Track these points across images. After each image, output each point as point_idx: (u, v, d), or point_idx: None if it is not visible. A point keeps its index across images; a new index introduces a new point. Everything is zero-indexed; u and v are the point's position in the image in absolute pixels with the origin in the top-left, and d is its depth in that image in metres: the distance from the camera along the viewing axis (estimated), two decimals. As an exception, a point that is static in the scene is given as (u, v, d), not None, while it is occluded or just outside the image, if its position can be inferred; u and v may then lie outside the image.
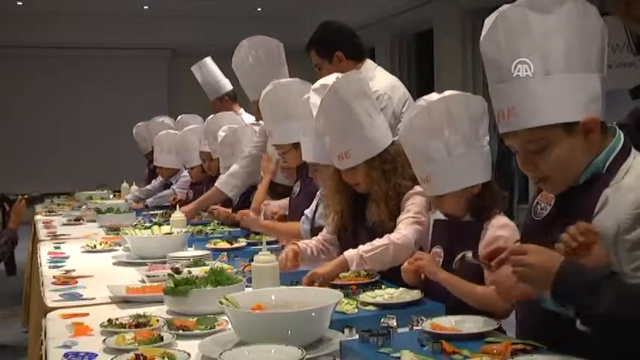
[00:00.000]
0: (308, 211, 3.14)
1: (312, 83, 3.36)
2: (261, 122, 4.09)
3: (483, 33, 1.69)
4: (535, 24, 1.62)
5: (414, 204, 2.48)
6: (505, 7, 1.66)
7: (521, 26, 1.62)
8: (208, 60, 5.80)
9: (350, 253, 2.43)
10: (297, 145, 3.33)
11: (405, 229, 2.43)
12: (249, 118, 5.38)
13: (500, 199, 2.21)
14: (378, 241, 2.43)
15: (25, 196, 4.81)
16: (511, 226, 2.16)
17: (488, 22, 1.68)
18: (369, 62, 3.43)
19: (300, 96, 3.36)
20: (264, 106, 3.49)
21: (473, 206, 2.20)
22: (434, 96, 2.22)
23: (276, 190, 3.92)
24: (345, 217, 2.66)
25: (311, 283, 2.31)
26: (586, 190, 1.63)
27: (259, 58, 3.99)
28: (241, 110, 5.70)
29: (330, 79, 2.74)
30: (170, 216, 3.85)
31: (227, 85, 5.71)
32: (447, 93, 2.23)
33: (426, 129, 2.17)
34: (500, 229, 2.13)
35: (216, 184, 4.39)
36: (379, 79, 3.39)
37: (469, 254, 1.94)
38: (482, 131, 2.19)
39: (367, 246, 2.42)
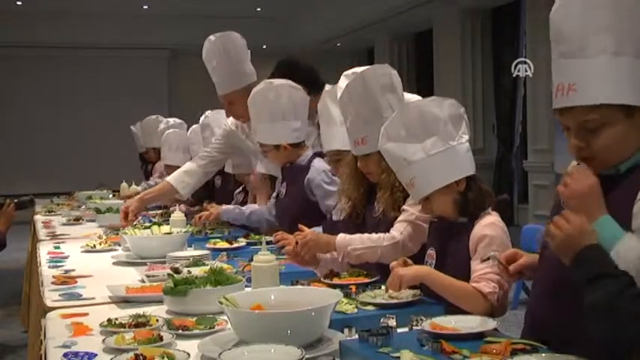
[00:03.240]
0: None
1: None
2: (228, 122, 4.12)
3: (557, 4, 1.66)
4: (612, 1, 1.59)
5: (414, 204, 2.49)
6: None
7: (598, 1, 1.60)
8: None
9: (341, 242, 2.50)
10: (278, 147, 3.44)
11: (396, 230, 2.48)
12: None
13: (487, 195, 2.22)
14: (370, 240, 2.49)
15: (15, 201, 4.80)
16: (498, 225, 2.16)
17: None
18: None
19: (289, 99, 3.39)
20: (251, 104, 3.52)
21: (460, 204, 2.20)
22: (407, 96, 2.23)
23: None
24: (356, 204, 2.72)
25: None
26: (625, 180, 1.62)
27: (228, 52, 3.94)
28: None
29: (361, 68, 2.78)
30: (170, 216, 3.84)
31: None
32: (420, 99, 2.31)
33: (402, 135, 2.21)
34: (486, 227, 2.13)
35: (168, 178, 4.30)
36: None
37: (496, 254, 1.96)
38: (459, 131, 2.20)
39: (358, 242, 2.48)
